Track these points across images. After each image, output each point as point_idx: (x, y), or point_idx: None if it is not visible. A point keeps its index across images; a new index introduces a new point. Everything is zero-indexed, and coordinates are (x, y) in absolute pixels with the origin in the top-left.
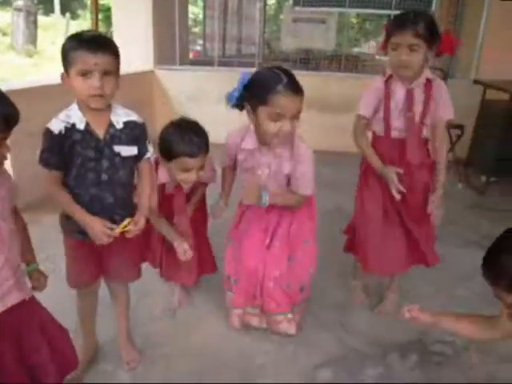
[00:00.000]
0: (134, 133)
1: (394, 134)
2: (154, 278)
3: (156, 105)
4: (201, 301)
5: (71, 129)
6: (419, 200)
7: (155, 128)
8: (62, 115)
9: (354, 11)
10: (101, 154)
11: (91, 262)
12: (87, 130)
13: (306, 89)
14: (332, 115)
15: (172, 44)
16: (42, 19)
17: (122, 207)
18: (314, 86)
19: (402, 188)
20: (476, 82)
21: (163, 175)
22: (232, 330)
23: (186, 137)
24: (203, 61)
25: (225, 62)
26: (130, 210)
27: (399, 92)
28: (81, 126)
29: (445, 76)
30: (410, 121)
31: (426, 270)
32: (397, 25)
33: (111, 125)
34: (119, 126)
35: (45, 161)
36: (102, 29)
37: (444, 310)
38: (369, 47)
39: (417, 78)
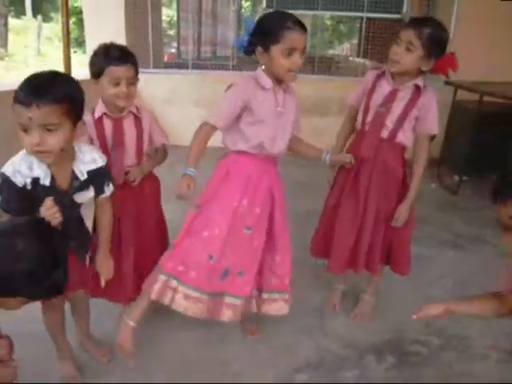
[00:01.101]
0: (96, 179)
1: (367, 127)
2: None
3: None
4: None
5: (35, 182)
6: (391, 205)
7: None
8: (23, 167)
9: (326, 14)
10: (61, 204)
11: None
12: (52, 187)
13: None
14: (306, 118)
15: (145, 47)
16: (13, 22)
17: (80, 238)
18: None
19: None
20: (447, 83)
21: (99, 109)
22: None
23: (111, 49)
24: (178, 63)
25: (199, 64)
26: (85, 236)
27: (384, 88)
28: (46, 181)
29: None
30: (378, 116)
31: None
32: (408, 22)
33: (76, 177)
34: (83, 177)
35: (6, 207)
36: (75, 32)
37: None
38: (343, 49)
39: (407, 81)
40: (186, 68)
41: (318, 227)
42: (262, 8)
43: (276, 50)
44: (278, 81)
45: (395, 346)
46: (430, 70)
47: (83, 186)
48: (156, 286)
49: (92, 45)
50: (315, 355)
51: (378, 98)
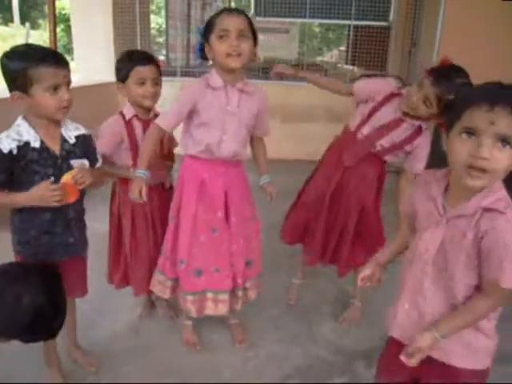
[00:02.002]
0: (85, 146)
1: (360, 135)
2: (114, 296)
3: None
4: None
5: (25, 147)
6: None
7: None
8: (11, 132)
9: (314, 21)
10: (60, 171)
11: None
12: (43, 148)
13: (269, 98)
14: (295, 124)
15: None
16: (0, 29)
17: (79, 219)
18: (276, 95)
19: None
20: None
21: (129, 111)
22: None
23: (134, 53)
24: (167, 71)
25: (188, 72)
26: (85, 231)
27: (392, 111)
28: (36, 144)
29: (403, 83)
30: (376, 133)
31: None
32: (436, 77)
33: (64, 140)
34: (72, 140)
35: None
36: (63, 39)
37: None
38: (332, 56)
39: (415, 119)
40: (175, 75)
41: (288, 216)
42: (250, 16)
43: (213, 38)
44: (234, 78)
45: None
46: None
47: (74, 151)
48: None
49: (80, 52)
50: (304, 362)
51: (382, 116)
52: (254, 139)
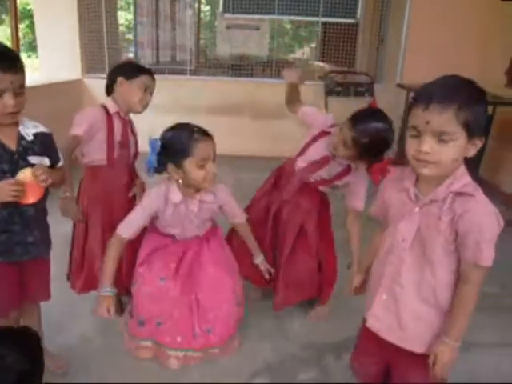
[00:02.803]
0: (45, 144)
1: (296, 167)
2: (81, 298)
3: None
4: None
5: None
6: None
7: None
8: None
9: (283, 18)
10: (16, 166)
11: (14, 286)
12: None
13: (239, 95)
14: (265, 121)
15: (101, 51)
16: None
17: (39, 219)
18: (246, 93)
19: None
20: (399, 85)
21: (112, 106)
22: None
23: (141, 67)
24: None
25: (157, 69)
26: (47, 231)
27: (323, 147)
28: None
29: (371, 81)
30: (310, 167)
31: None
32: (352, 120)
33: (22, 137)
34: (29, 138)
35: None
36: (28, 36)
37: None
38: (303, 53)
39: (342, 160)
40: None
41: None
42: (219, 12)
43: (189, 163)
44: (196, 189)
45: (352, 345)
46: (367, 168)
47: (32, 148)
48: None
49: (44, 49)
50: (274, 358)
51: (314, 152)
52: (236, 225)
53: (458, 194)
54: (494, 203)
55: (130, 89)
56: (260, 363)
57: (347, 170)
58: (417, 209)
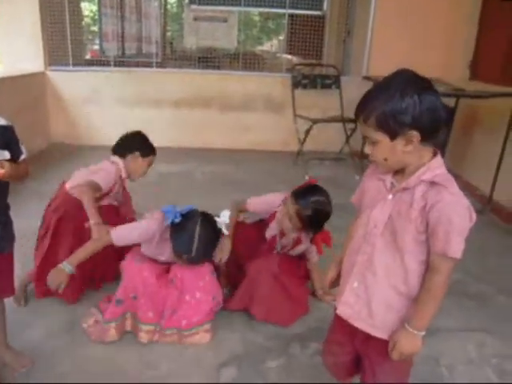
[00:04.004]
0: (4, 137)
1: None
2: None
3: (50, 108)
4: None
5: None
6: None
7: (50, 132)
8: None
9: (249, 10)
10: None
11: None
12: None
13: (206, 87)
14: (233, 113)
15: (64, 44)
16: None
17: (4, 224)
18: (214, 85)
19: None
20: (365, 78)
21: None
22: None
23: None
24: (100, 61)
25: (123, 62)
26: (10, 225)
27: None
28: None
29: (338, 73)
30: (270, 243)
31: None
32: (293, 194)
33: None
34: None
35: None
36: None
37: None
38: (271, 46)
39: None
40: (109, 65)
41: None
42: (186, 4)
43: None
44: None
45: (319, 334)
46: (310, 241)
47: None
48: None
49: (6, 41)
50: (241, 348)
51: (271, 230)
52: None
53: (432, 184)
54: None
55: (142, 164)
56: (227, 354)
57: (298, 241)
58: (390, 196)
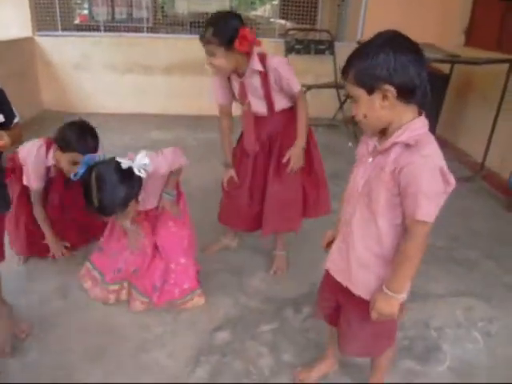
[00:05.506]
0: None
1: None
2: (42, 262)
3: (39, 74)
4: None
5: None
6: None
7: (41, 100)
8: None
9: None
10: None
11: None
12: None
13: (198, 53)
14: None
15: (52, 8)
16: None
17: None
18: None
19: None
20: (360, 43)
21: (50, 159)
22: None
23: (82, 137)
24: (89, 26)
25: (113, 27)
26: (4, 189)
27: (234, 83)
28: None
29: (332, 39)
30: (245, 110)
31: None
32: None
33: None
34: None
35: None
36: None
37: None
38: (264, 10)
39: (244, 70)
40: (99, 31)
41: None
42: None
43: None
44: None
45: (311, 298)
46: (238, 50)
47: None
48: None
49: None
50: (234, 312)
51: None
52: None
53: (406, 146)
54: (450, 160)
55: (61, 159)
56: (221, 318)
57: (263, 74)
58: (370, 159)
